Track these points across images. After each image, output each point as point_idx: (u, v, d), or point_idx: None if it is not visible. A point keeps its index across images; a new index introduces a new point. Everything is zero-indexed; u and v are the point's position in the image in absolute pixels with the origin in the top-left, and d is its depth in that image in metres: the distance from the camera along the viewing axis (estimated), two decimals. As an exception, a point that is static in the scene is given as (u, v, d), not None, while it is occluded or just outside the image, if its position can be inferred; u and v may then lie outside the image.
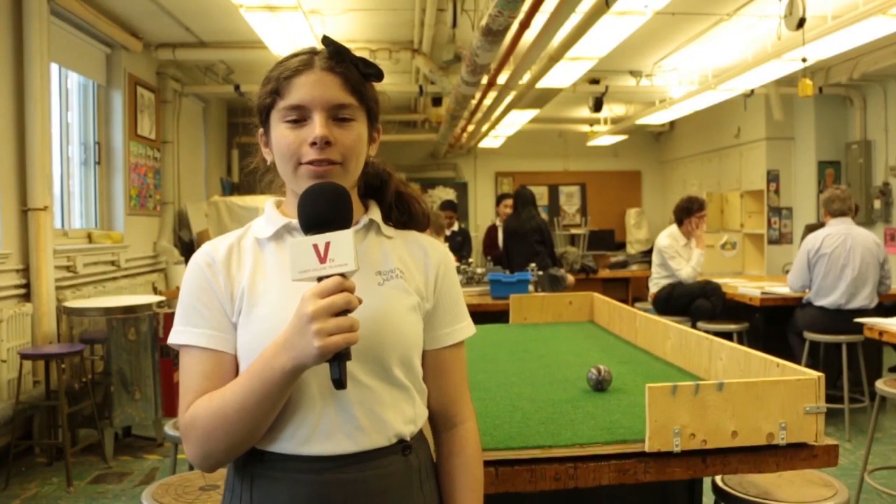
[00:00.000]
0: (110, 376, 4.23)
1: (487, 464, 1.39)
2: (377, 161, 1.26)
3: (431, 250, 1.23)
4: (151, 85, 6.32)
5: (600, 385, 1.83)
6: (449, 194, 10.84)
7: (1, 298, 4.09)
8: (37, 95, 4.30)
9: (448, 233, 6.99)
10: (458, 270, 5.55)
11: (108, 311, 4.22)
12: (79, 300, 4.59)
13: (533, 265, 5.26)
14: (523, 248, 5.87)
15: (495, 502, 1.46)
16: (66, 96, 5.30)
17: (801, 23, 4.48)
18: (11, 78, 4.25)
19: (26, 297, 4.31)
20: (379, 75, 1.15)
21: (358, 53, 1.14)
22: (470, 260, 6.39)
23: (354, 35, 5.99)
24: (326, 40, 1.12)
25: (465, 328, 1.24)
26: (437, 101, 7.64)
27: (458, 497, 1.20)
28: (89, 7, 4.93)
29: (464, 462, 1.21)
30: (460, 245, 7.18)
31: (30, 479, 3.89)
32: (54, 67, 4.87)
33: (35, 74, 4.29)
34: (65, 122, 5.29)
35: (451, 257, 1.27)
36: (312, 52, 1.13)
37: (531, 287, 4.77)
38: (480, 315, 4.44)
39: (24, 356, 3.89)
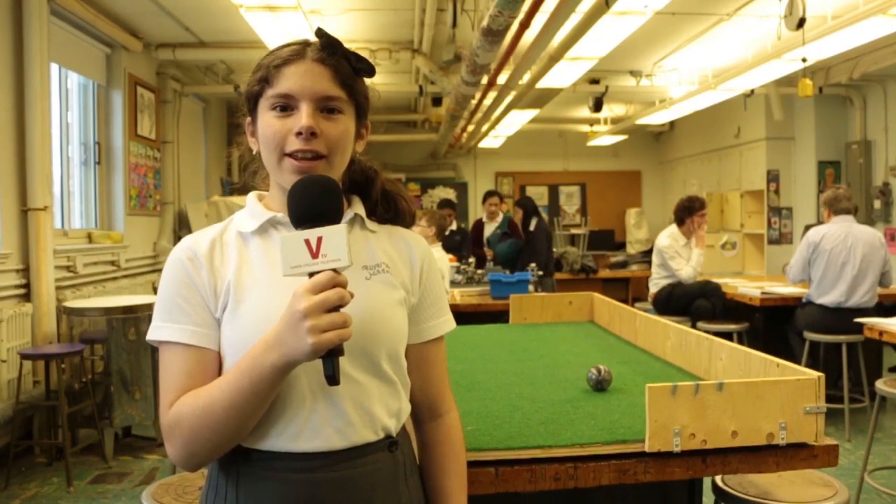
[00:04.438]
0: (110, 376, 4.23)
1: (487, 464, 1.40)
2: (364, 158, 1.25)
3: (415, 245, 1.23)
4: (151, 85, 6.32)
5: (600, 385, 1.83)
6: (449, 194, 10.86)
7: (1, 298, 4.09)
8: (37, 95, 4.30)
9: (447, 231, 6.99)
10: (458, 270, 5.55)
11: (108, 311, 4.21)
12: (79, 300, 4.59)
13: (533, 265, 5.26)
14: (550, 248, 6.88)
15: (495, 502, 1.46)
16: (66, 96, 5.29)
17: (801, 23, 4.48)
18: (11, 78, 4.25)
19: (26, 297, 4.31)
20: (370, 71, 1.14)
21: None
22: (470, 259, 6.39)
23: (354, 35, 5.99)
24: (320, 32, 1.10)
25: (448, 322, 1.26)
26: (437, 101, 7.63)
27: (447, 484, 1.20)
28: (89, 7, 4.93)
29: (452, 449, 1.23)
30: (459, 244, 7.17)
31: (30, 479, 3.89)
32: (54, 67, 4.87)
33: (35, 74, 4.29)
34: (65, 122, 5.29)
35: (432, 252, 1.28)
36: (305, 44, 1.12)
37: (531, 287, 4.77)
38: (480, 315, 4.44)
39: (24, 356, 3.89)
